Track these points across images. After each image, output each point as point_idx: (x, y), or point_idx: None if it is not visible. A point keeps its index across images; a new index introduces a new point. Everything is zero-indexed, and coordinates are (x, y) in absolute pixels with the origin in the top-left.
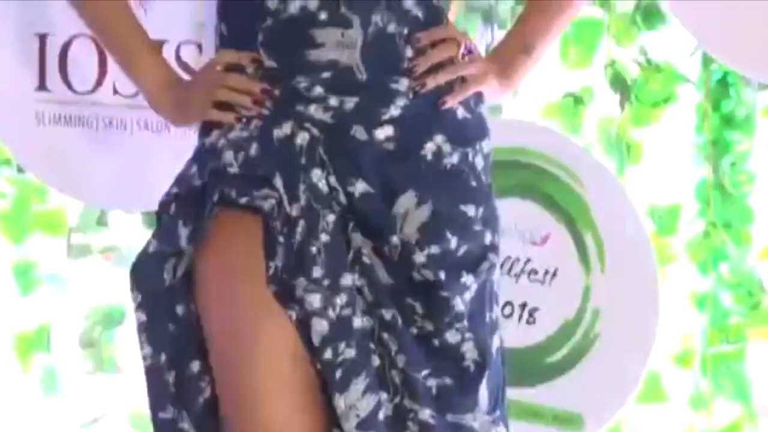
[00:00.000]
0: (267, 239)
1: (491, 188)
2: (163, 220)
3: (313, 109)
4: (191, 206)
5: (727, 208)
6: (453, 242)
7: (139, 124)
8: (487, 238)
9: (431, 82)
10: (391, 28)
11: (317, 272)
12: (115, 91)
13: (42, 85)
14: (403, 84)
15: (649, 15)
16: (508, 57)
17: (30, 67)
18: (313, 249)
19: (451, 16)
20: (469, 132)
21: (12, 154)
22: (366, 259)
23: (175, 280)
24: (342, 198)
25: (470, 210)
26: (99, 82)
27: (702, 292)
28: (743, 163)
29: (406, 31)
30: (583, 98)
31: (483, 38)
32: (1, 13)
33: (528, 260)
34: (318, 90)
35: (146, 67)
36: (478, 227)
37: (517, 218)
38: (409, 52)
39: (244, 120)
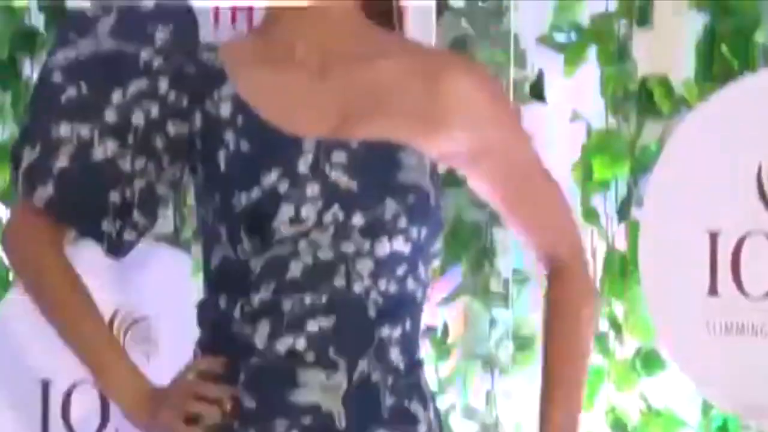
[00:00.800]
0: None
1: None
2: None
3: None
4: None
5: None
6: None
7: None
8: None
9: None
10: (375, 376)
11: None
12: None
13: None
14: None
15: (649, 361)
16: None
17: (32, 417)
18: None
19: (452, 362)
20: None
21: None
22: None
23: None
24: None
25: None
26: (100, 430)
27: None
28: None
29: (390, 380)
30: None
31: (483, 384)
32: (5, 360)
33: None
34: None
35: (119, 379)
36: None
37: None
38: (389, 401)
39: None
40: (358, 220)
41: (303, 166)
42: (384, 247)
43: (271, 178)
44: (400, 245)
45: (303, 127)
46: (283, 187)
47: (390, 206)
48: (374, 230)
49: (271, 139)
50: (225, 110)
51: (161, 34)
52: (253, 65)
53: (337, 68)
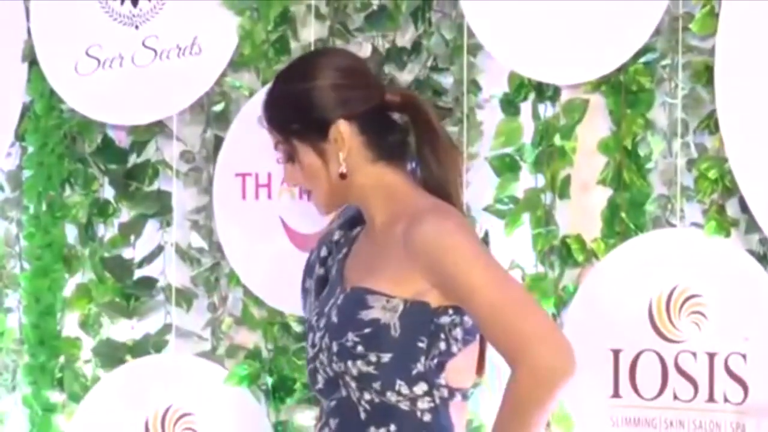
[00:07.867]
0: None
1: None
2: None
3: None
4: None
5: None
6: None
7: None
8: None
9: None
10: None
11: None
12: None
13: None
14: None
15: None
16: None
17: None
18: None
19: None
20: None
21: None
22: None
23: None
24: None
25: None
26: None
27: None
28: None
29: None
30: None
31: None
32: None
33: None
34: None
35: None
36: None
37: None
38: None
39: None
40: (334, 347)
41: (327, 307)
42: (352, 368)
43: (314, 314)
44: (364, 367)
45: (349, 280)
46: (314, 319)
47: (350, 337)
48: (343, 355)
49: (332, 288)
50: (335, 269)
51: (340, 220)
52: (361, 236)
53: (376, 236)
